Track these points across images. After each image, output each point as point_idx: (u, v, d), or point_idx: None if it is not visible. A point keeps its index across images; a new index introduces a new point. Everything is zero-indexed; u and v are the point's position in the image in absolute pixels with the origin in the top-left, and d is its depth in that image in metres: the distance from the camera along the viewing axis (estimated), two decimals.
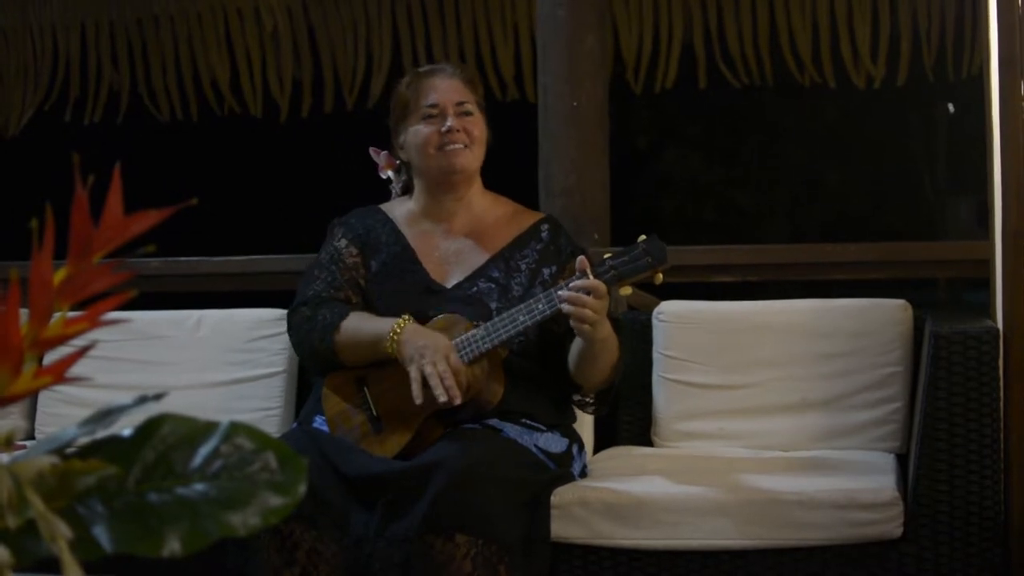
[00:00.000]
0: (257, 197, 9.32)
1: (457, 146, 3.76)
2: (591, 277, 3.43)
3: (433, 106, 3.77)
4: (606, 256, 3.51)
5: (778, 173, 10.50)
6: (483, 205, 3.89)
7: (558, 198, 4.77)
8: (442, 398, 3.45)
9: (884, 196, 10.25)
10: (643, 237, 3.51)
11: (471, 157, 3.80)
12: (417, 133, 3.79)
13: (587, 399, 3.79)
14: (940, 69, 6.14)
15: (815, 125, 10.07)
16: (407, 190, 3.96)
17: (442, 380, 3.45)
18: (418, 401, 3.48)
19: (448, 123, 3.75)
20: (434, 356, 3.47)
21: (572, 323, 3.47)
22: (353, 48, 6.61)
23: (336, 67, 6.66)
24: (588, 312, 3.42)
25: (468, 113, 3.79)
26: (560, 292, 3.46)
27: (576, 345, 3.62)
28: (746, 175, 10.61)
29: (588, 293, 3.43)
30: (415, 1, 6.52)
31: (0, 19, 6.77)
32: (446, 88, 3.79)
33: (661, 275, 3.50)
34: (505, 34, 6.46)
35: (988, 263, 3.96)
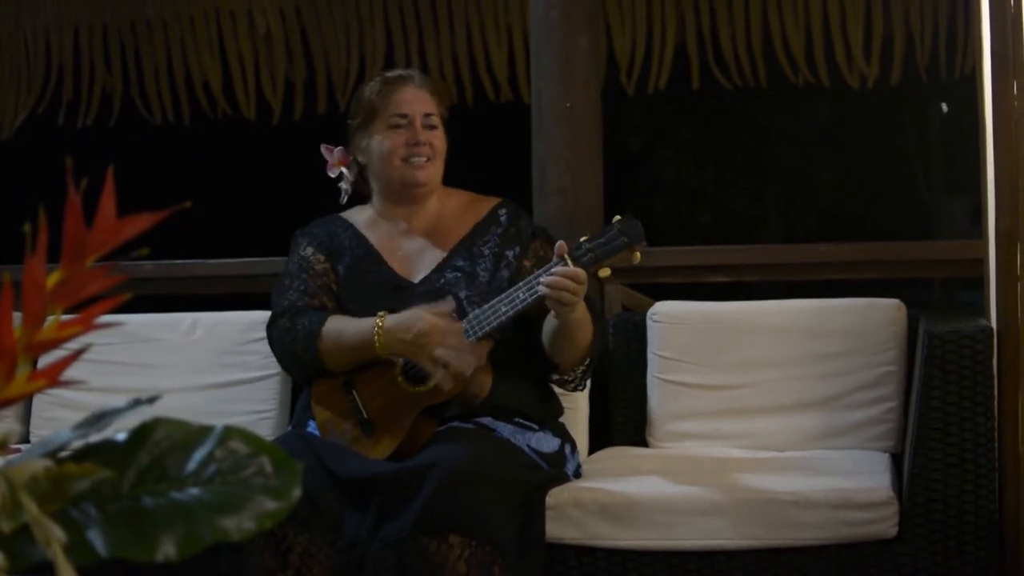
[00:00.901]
0: (249, 199, 9.32)
1: (421, 159, 3.79)
2: (569, 263, 3.45)
3: (402, 116, 3.79)
4: (582, 239, 3.52)
5: (772, 173, 10.51)
6: (440, 201, 3.91)
7: (552, 199, 4.77)
8: (468, 371, 3.50)
9: (878, 196, 10.26)
10: (618, 217, 3.52)
11: (433, 171, 3.83)
12: (383, 142, 3.81)
13: (566, 377, 3.80)
14: (933, 69, 6.14)
15: (809, 125, 10.07)
16: (356, 189, 3.96)
17: (459, 354, 3.49)
18: (449, 387, 3.52)
19: (416, 137, 3.78)
20: (434, 339, 3.48)
21: (551, 306, 3.48)
22: (346, 50, 6.60)
23: (329, 69, 6.65)
24: (568, 296, 3.43)
25: (433, 126, 3.82)
26: (542, 280, 3.47)
27: (550, 325, 3.62)
28: (740, 175, 10.61)
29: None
30: (408, 2, 6.51)
31: None
32: (415, 99, 3.81)
33: (639, 254, 3.51)
34: (498, 35, 6.46)
35: (982, 262, 3.96)
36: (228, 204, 8.40)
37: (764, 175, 10.51)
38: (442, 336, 3.49)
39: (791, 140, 10.29)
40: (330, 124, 6.75)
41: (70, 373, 1.32)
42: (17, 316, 1.30)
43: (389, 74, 3.90)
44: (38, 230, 1.30)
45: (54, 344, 1.31)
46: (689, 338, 4.25)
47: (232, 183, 9.20)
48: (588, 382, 3.86)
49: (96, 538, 1.24)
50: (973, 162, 3.99)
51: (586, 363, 3.75)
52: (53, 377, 1.31)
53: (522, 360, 3.74)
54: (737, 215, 10.48)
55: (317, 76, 6.66)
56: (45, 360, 1.35)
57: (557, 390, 3.87)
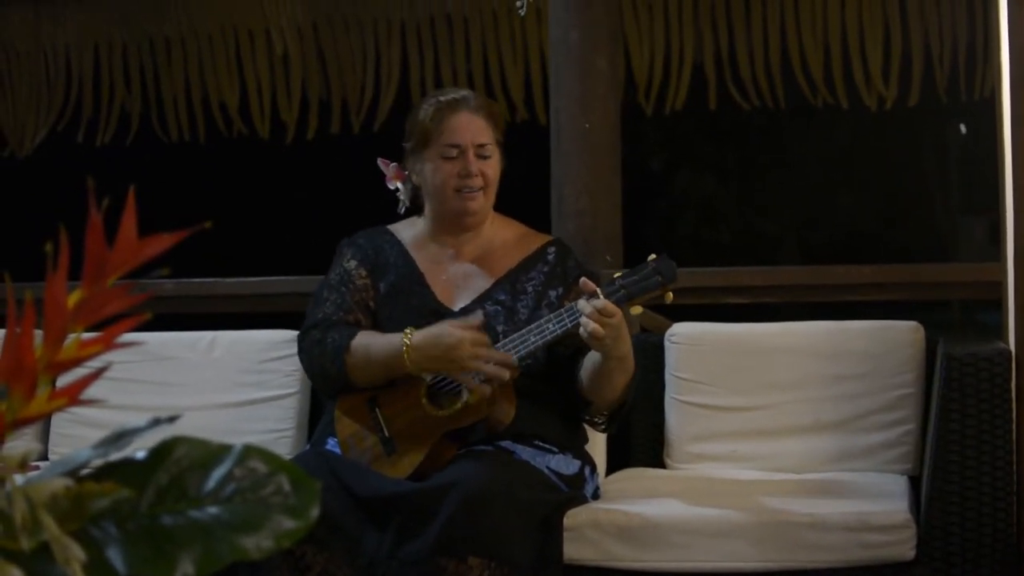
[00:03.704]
0: (261, 219, 9.32)
1: (473, 191, 3.77)
2: (600, 296, 3.44)
3: (454, 146, 3.76)
4: (616, 276, 3.52)
5: (790, 194, 10.49)
6: (492, 229, 3.89)
7: (570, 220, 4.77)
8: (506, 376, 3.49)
9: (896, 217, 10.24)
10: (653, 256, 3.52)
11: (484, 201, 3.81)
12: (436, 171, 3.78)
13: (596, 419, 3.79)
14: (953, 90, 6.13)
15: (827, 146, 10.06)
16: (414, 202, 3.95)
17: (496, 365, 3.50)
18: (487, 393, 3.53)
19: (468, 168, 3.75)
20: (465, 351, 3.50)
21: (587, 340, 3.47)
22: (362, 70, 6.61)
23: (345, 89, 6.66)
24: (599, 329, 3.42)
25: (487, 156, 3.79)
26: (575, 307, 3.47)
27: (591, 361, 3.62)
28: (758, 195, 10.60)
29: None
30: (424, 22, 6.52)
31: (14, 40, 6.79)
32: (469, 128, 3.76)
33: (671, 294, 3.51)
34: (515, 56, 6.46)
35: (1000, 284, 3.96)
36: (239, 223, 8.40)
37: (783, 195, 10.50)
38: (471, 348, 3.50)
39: (810, 160, 10.28)
40: (342, 144, 6.77)
41: (90, 391, 1.32)
42: (38, 334, 1.30)
43: (443, 97, 3.83)
44: (59, 249, 1.30)
45: (75, 363, 1.32)
46: (707, 359, 4.24)
47: (244, 201, 9.21)
48: (616, 425, 3.85)
49: (115, 557, 1.24)
50: (991, 183, 3.98)
51: (620, 406, 3.74)
52: (74, 396, 1.31)
53: (548, 391, 3.73)
54: (756, 234, 10.46)
55: (332, 96, 6.68)
56: (65, 378, 1.35)
57: None
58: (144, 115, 6.83)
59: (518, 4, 4.60)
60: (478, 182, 3.76)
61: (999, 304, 4.03)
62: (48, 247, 1.30)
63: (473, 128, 3.77)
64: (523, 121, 6.50)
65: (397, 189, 3.97)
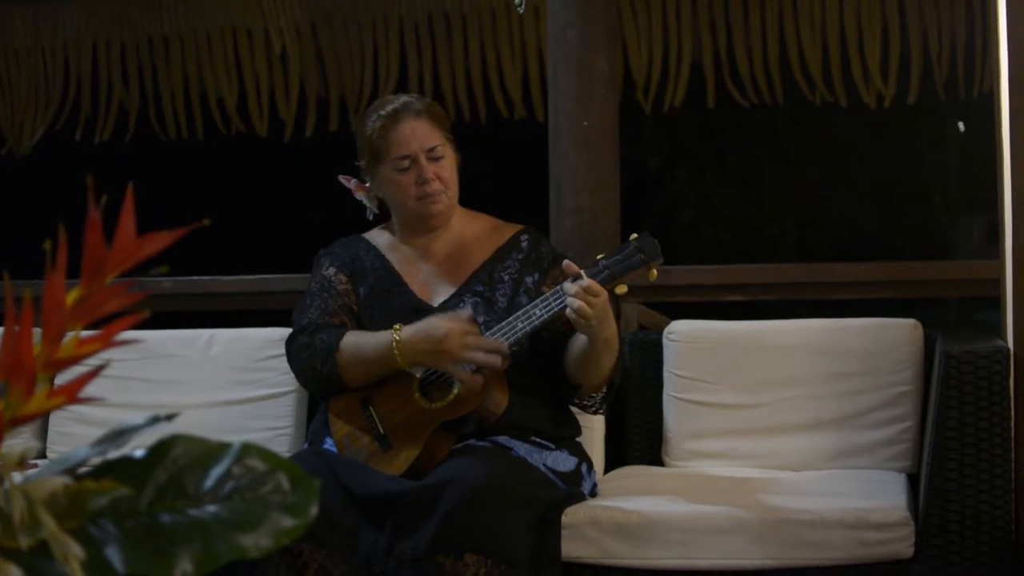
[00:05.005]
0: (259, 216, 9.33)
1: (435, 194, 3.78)
2: (584, 277, 3.45)
3: (405, 157, 3.77)
4: (599, 257, 3.53)
5: (789, 192, 10.50)
6: (461, 224, 3.91)
7: (569, 217, 4.77)
8: (499, 363, 3.51)
9: (895, 215, 10.24)
10: (634, 235, 3.53)
11: (447, 201, 3.82)
12: (394, 184, 3.80)
13: (586, 402, 3.80)
14: (951, 87, 6.14)
15: (826, 144, 10.07)
16: (382, 209, 3.96)
17: (487, 352, 3.51)
18: (478, 385, 3.54)
19: (424, 175, 3.76)
20: (455, 342, 3.51)
21: (573, 322, 3.48)
22: (360, 68, 6.62)
23: (343, 87, 6.67)
24: (585, 307, 3.42)
25: (439, 157, 3.79)
26: (560, 290, 3.48)
27: (577, 347, 3.63)
28: (756, 193, 10.60)
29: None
30: (423, 21, 6.53)
31: (13, 38, 6.79)
32: (415, 135, 3.76)
33: (655, 271, 3.51)
34: (513, 54, 6.47)
35: (999, 282, 3.96)
36: (237, 220, 8.41)
37: (781, 192, 10.51)
38: (461, 338, 3.51)
39: (808, 158, 10.29)
40: (341, 142, 6.77)
41: (88, 389, 1.32)
42: (37, 332, 1.30)
43: (383, 110, 3.82)
44: (58, 247, 1.30)
45: (73, 361, 1.32)
46: (705, 357, 4.24)
47: (242, 199, 9.21)
48: (606, 406, 3.86)
49: (114, 555, 1.24)
50: (991, 181, 3.98)
51: (608, 387, 3.75)
52: (72, 394, 1.31)
53: (538, 380, 3.75)
54: (755, 232, 10.47)
55: (330, 94, 6.68)
56: (63, 376, 1.35)
57: (575, 410, 3.87)
58: (142, 113, 6.83)
59: (516, 2, 4.61)
60: (437, 186, 3.78)
61: (997, 302, 4.03)
62: (47, 245, 1.31)
63: (419, 134, 3.77)
64: (521, 119, 6.51)
65: (363, 200, 3.98)
